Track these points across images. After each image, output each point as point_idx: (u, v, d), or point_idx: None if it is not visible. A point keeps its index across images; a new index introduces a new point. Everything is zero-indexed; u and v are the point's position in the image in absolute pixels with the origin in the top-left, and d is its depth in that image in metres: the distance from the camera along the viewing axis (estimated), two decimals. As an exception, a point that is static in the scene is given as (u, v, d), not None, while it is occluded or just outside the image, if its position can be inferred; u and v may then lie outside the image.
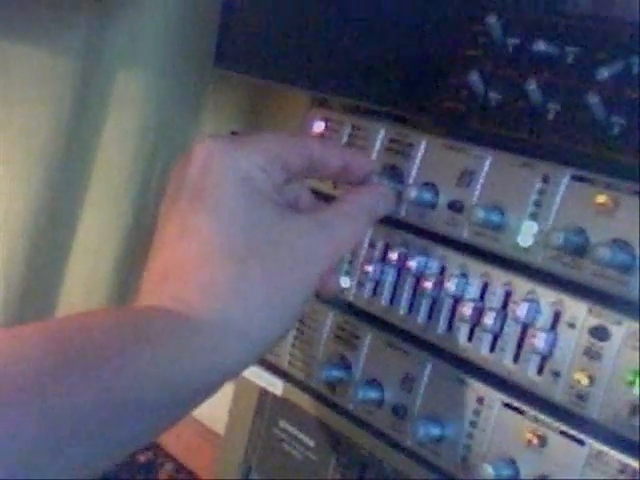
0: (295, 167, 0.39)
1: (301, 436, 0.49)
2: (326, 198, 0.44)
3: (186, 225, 0.37)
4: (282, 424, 0.50)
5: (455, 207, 0.41)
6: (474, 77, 0.39)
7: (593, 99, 0.35)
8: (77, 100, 0.63)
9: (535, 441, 0.37)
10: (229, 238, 0.36)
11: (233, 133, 0.68)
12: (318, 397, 0.47)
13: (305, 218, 0.38)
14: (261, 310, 0.35)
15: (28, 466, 0.29)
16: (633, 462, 0.34)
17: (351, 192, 0.41)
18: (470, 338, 0.40)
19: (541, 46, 0.36)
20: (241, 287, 0.35)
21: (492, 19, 0.38)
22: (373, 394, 0.44)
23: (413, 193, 0.42)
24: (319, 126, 0.49)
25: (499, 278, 0.39)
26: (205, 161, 0.37)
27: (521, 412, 0.38)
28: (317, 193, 0.45)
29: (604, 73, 0.34)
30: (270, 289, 0.36)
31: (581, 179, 0.36)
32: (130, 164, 0.65)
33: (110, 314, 0.36)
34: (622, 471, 0.34)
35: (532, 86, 0.36)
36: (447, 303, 0.41)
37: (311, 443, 0.49)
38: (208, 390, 0.36)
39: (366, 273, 0.44)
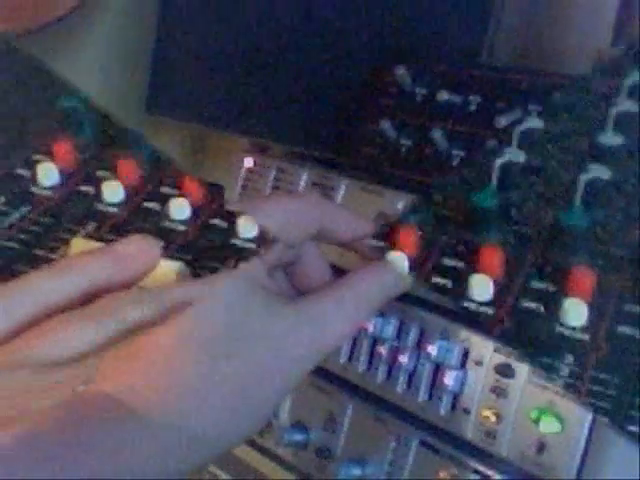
0: (298, 240, 0.35)
1: (230, 480, 0.49)
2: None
3: None
4: (211, 468, 0.50)
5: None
6: (386, 124, 0.40)
7: (491, 145, 0.36)
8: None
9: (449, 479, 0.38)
10: (209, 329, 0.32)
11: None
12: (246, 441, 0.47)
13: (293, 312, 0.33)
14: (225, 416, 0.31)
15: None
16: (543, 499, 0.35)
17: (357, 272, 0.35)
18: (388, 377, 0.41)
19: (445, 95, 0.38)
20: (206, 388, 0.31)
21: (401, 70, 0.40)
22: (299, 436, 0.44)
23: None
24: (249, 162, 0.50)
25: (413, 317, 0.40)
26: None
27: (436, 451, 0.38)
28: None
29: (502, 121, 0.36)
30: (240, 394, 0.32)
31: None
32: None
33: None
34: (532, 508, 0.35)
35: (438, 133, 0.38)
36: (366, 343, 0.42)
37: (240, 487, 0.49)
38: None
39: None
